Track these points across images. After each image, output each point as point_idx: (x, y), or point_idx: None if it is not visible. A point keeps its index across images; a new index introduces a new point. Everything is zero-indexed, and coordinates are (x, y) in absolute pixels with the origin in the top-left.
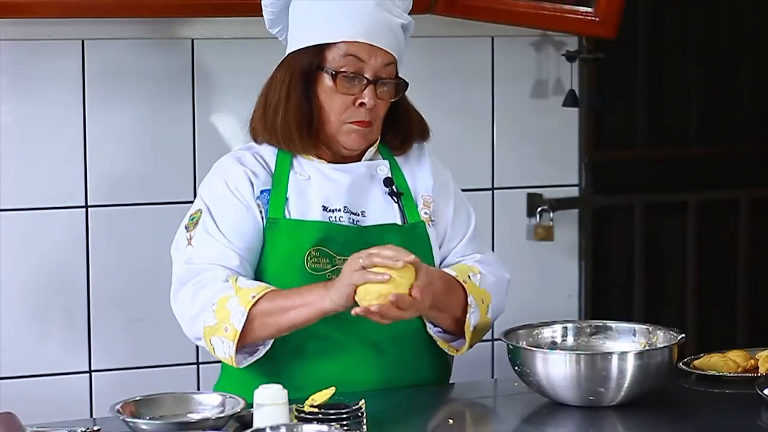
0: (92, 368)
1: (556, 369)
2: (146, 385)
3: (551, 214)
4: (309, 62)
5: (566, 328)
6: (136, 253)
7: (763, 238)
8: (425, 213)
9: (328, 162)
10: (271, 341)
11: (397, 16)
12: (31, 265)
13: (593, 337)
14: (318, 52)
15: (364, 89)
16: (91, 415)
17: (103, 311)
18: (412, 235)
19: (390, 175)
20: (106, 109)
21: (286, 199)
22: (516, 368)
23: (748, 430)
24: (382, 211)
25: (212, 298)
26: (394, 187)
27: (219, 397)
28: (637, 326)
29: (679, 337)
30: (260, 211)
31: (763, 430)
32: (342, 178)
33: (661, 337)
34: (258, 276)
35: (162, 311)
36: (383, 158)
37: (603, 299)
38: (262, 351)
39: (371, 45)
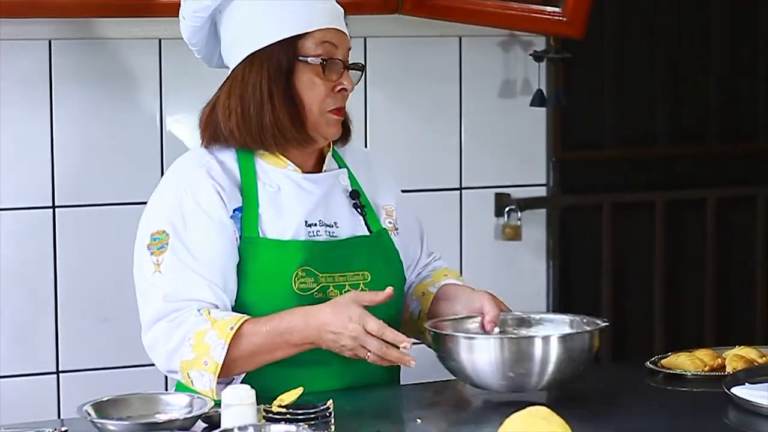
0: (60, 369)
1: (480, 354)
2: (114, 386)
3: (519, 214)
4: (285, 55)
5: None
6: (104, 253)
7: (729, 237)
8: (389, 222)
9: (303, 172)
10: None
11: (337, 3)
12: None
13: (518, 328)
14: (291, 44)
15: (342, 75)
16: (59, 416)
17: (71, 312)
18: (379, 245)
19: (352, 188)
20: (73, 109)
21: (259, 215)
22: (440, 356)
23: (715, 428)
24: (352, 223)
25: (188, 333)
26: (359, 200)
27: (187, 397)
28: (562, 316)
29: (602, 324)
30: (235, 231)
31: (730, 429)
32: (315, 189)
33: (585, 326)
34: (240, 296)
35: (130, 312)
36: (338, 163)
37: (571, 298)
38: (237, 379)
39: (340, 30)
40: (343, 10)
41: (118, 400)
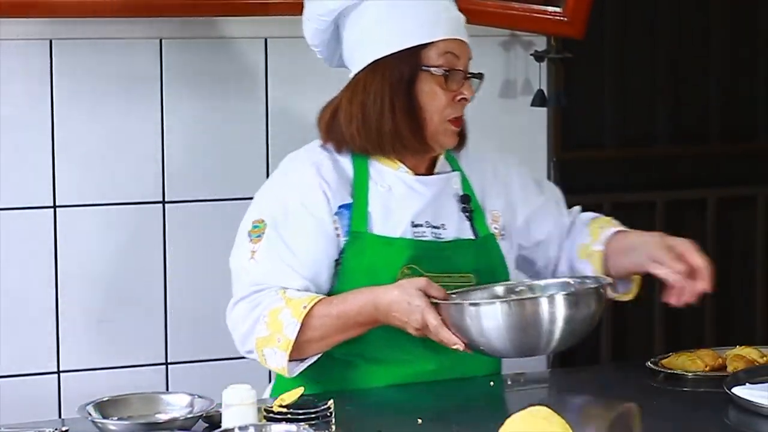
0: (61, 369)
1: (489, 321)
2: (114, 386)
3: None
4: (408, 64)
5: (495, 291)
6: (104, 253)
7: (729, 237)
8: (495, 228)
9: (416, 174)
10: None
11: (460, 13)
12: None
13: (520, 294)
14: (414, 54)
15: (463, 85)
16: (60, 416)
17: (71, 312)
18: (484, 249)
19: (463, 192)
20: (73, 108)
21: (369, 213)
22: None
23: (715, 428)
24: (458, 226)
25: (263, 311)
26: (468, 204)
27: (187, 397)
28: (562, 280)
29: (606, 281)
30: (336, 228)
31: (730, 429)
32: (425, 191)
33: (589, 284)
34: (340, 290)
35: (130, 312)
36: (451, 167)
37: None
38: (312, 358)
39: (461, 41)
40: (465, 19)
41: (119, 400)
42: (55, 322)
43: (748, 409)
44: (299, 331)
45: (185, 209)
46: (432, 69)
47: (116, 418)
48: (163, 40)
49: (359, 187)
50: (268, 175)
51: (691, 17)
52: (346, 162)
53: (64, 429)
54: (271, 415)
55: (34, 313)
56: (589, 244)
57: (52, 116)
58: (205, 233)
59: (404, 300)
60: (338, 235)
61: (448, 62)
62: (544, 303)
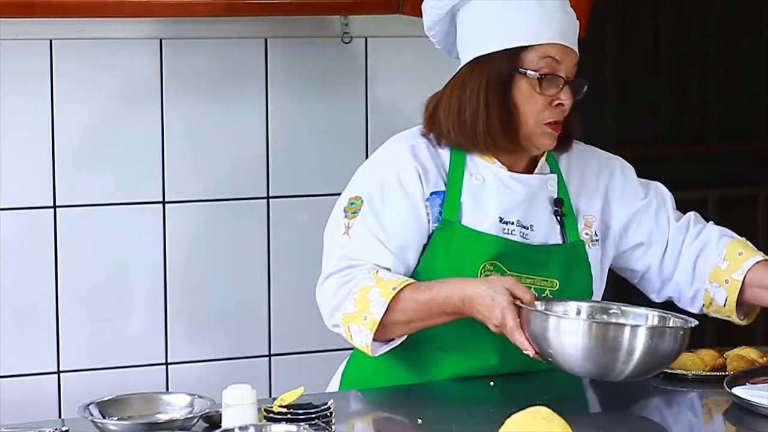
0: (61, 369)
1: (569, 337)
2: (114, 386)
3: None
4: (506, 65)
5: (580, 307)
6: (104, 253)
7: None
8: (586, 234)
9: (509, 170)
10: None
11: (574, 17)
12: None
13: (605, 316)
14: (513, 55)
15: (561, 90)
16: (60, 416)
17: (71, 312)
18: (572, 256)
19: (558, 195)
20: (73, 109)
21: (461, 203)
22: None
23: (715, 428)
24: (548, 228)
25: (354, 287)
26: (561, 208)
27: (187, 397)
28: (651, 312)
29: (691, 324)
30: (427, 213)
31: (731, 428)
32: (519, 189)
33: (673, 322)
34: (421, 274)
35: (130, 312)
36: (550, 168)
37: None
38: (397, 340)
39: (565, 46)
40: (577, 25)
41: (119, 400)
42: (55, 322)
43: (748, 409)
44: (385, 312)
45: (185, 209)
46: (528, 72)
47: (116, 418)
48: (163, 40)
49: (454, 176)
50: (268, 175)
51: (692, 18)
52: (444, 152)
53: (64, 429)
54: (271, 415)
55: (34, 313)
56: (727, 271)
57: (52, 116)
58: (205, 233)
59: (489, 295)
60: (428, 221)
61: (548, 66)
62: (626, 331)
